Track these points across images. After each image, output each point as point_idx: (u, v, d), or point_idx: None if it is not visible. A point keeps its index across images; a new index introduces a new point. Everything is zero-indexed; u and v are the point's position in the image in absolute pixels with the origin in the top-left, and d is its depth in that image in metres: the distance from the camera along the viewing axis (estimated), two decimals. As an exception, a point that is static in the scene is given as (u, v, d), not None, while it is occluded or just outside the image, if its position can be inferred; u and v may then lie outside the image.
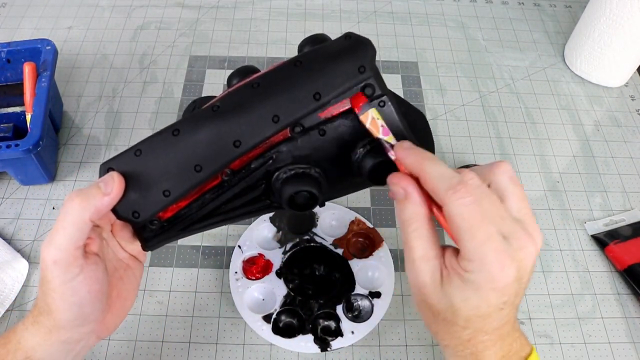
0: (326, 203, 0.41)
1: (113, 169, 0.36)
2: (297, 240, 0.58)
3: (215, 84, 0.74)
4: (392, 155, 0.34)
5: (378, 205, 0.62)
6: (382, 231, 0.59)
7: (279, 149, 0.36)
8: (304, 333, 0.52)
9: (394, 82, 0.75)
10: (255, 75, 0.37)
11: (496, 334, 0.33)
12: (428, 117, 0.71)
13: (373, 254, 0.57)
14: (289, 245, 0.58)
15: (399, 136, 0.36)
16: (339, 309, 0.53)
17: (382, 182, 0.35)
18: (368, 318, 0.53)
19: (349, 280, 0.55)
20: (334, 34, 0.38)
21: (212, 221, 0.39)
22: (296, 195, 0.36)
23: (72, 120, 0.69)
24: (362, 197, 0.62)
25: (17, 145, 0.54)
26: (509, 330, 0.33)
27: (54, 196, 0.62)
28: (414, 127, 0.37)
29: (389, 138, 0.34)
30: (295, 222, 0.58)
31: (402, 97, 0.73)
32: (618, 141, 0.70)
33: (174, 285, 0.56)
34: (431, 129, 0.43)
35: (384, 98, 0.35)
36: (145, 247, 0.39)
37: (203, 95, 0.72)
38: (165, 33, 0.80)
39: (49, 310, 0.34)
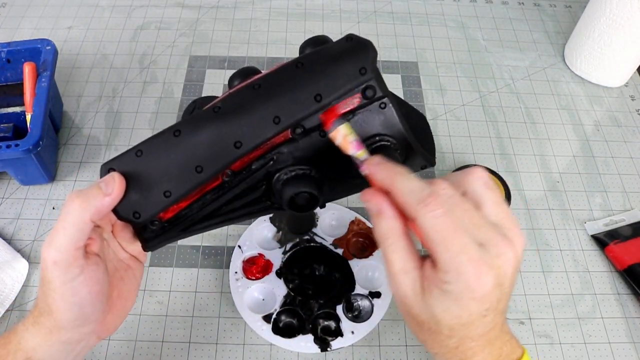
0: (326, 203, 0.41)
1: (114, 170, 0.36)
2: (297, 240, 0.58)
3: (215, 84, 0.74)
4: (364, 170, 0.34)
5: (378, 205, 0.62)
6: (382, 231, 0.59)
7: (279, 150, 0.36)
8: (304, 333, 0.52)
9: (394, 82, 0.75)
10: (256, 77, 0.37)
11: (483, 340, 0.32)
12: (428, 117, 0.71)
13: (373, 254, 0.57)
14: (289, 245, 0.58)
15: (399, 138, 0.36)
16: (339, 309, 0.53)
17: None
18: (368, 318, 0.53)
19: (349, 280, 0.55)
20: (334, 34, 0.38)
21: (212, 222, 0.39)
22: (297, 196, 0.36)
23: (72, 120, 0.69)
24: (360, 198, 0.62)
25: (17, 145, 0.54)
26: (497, 335, 0.33)
27: (54, 196, 0.62)
28: (415, 128, 0.37)
29: (360, 153, 0.34)
30: (295, 222, 0.58)
31: (402, 97, 0.73)
32: (618, 141, 0.70)
33: (174, 285, 0.56)
34: (431, 130, 0.43)
35: (385, 100, 0.35)
36: (146, 248, 0.39)
37: (203, 95, 0.72)
38: (165, 33, 0.80)
39: (50, 310, 0.34)
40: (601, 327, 0.55)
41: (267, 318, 0.53)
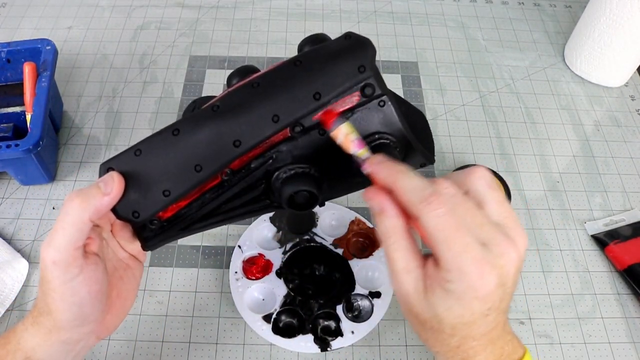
0: (326, 203, 0.41)
1: (113, 169, 0.36)
2: (297, 240, 0.58)
3: (215, 84, 0.74)
4: (366, 169, 0.34)
5: (378, 205, 0.62)
6: (382, 231, 0.59)
7: (278, 148, 0.36)
8: (304, 333, 0.52)
9: (394, 82, 0.75)
10: (255, 75, 0.37)
11: (485, 339, 0.32)
12: (428, 117, 0.71)
13: (373, 254, 0.57)
14: (289, 245, 0.58)
15: (398, 136, 0.36)
16: (339, 309, 0.53)
17: None
18: (368, 318, 0.53)
19: (349, 280, 0.55)
20: (334, 34, 0.38)
21: (212, 221, 0.39)
22: (296, 194, 0.36)
23: (72, 120, 0.69)
24: (362, 197, 0.62)
25: (17, 145, 0.54)
26: (498, 334, 0.33)
27: (54, 196, 0.62)
28: (414, 126, 0.37)
29: (362, 152, 0.34)
30: (295, 222, 0.58)
31: (402, 97, 0.73)
32: (618, 141, 0.70)
33: (174, 285, 0.56)
34: (431, 129, 0.43)
35: (384, 98, 0.35)
36: (145, 247, 0.39)
37: (203, 95, 0.72)
38: (165, 33, 0.80)
39: (49, 310, 0.34)
40: (601, 327, 0.55)
41: (267, 318, 0.53)
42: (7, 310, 0.53)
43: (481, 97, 0.74)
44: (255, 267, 0.56)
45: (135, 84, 0.73)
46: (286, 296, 0.54)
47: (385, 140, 0.35)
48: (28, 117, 0.58)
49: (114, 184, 0.35)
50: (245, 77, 0.38)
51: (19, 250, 0.57)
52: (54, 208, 0.61)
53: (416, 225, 0.32)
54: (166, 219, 0.37)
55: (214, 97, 0.38)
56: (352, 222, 0.59)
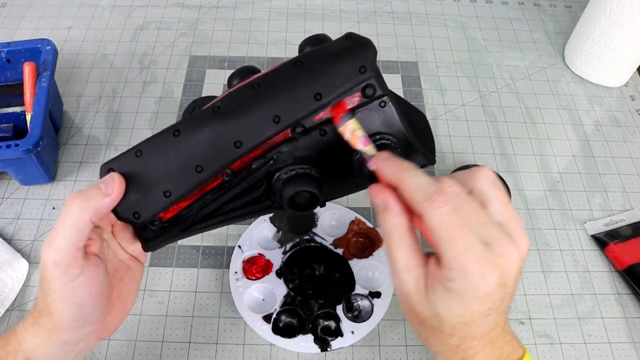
0: (326, 203, 0.41)
1: (114, 170, 0.36)
2: (297, 240, 0.58)
3: (215, 84, 0.74)
4: (371, 166, 0.34)
5: (378, 205, 0.62)
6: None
7: (279, 149, 0.36)
8: (304, 333, 0.52)
9: (394, 82, 0.75)
10: (255, 76, 0.37)
11: (485, 339, 0.32)
12: (428, 117, 0.71)
13: (373, 254, 0.57)
14: (289, 245, 0.58)
15: (399, 136, 0.36)
16: (339, 309, 0.53)
17: None
18: (368, 318, 0.53)
19: (349, 280, 0.55)
20: (334, 34, 0.38)
21: (212, 222, 0.39)
22: (297, 195, 0.36)
23: (72, 120, 0.69)
24: (362, 197, 0.62)
25: (17, 145, 0.54)
26: (498, 334, 0.33)
27: (54, 196, 0.62)
28: (415, 127, 0.37)
29: (368, 149, 0.34)
30: (295, 222, 0.58)
31: (402, 97, 0.73)
32: (618, 141, 0.70)
33: (174, 285, 0.56)
34: (431, 129, 0.43)
35: (385, 98, 0.35)
36: (146, 248, 0.39)
37: (203, 95, 0.72)
38: (165, 33, 0.80)
39: (49, 311, 0.34)
40: (601, 327, 0.55)
41: (267, 318, 0.53)
42: (7, 310, 0.53)
43: (481, 97, 0.74)
44: (255, 267, 0.56)
45: (135, 84, 0.73)
46: (286, 296, 0.54)
47: (386, 141, 0.35)
48: (28, 117, 0.58)
49: (115, 185, 0.35)
50: (245, 78, 0.38)
51: (19, 250, 0.57)
52: (54, 208, 0.61)
53: (419, 223, 0.32)
54: (167, 219, 0.37)
55: (214, 97, 0.38)
56: (352, 222, 0.59)
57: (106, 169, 0.36)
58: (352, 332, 0.52)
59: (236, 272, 0.55)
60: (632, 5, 0.65)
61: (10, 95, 0.64)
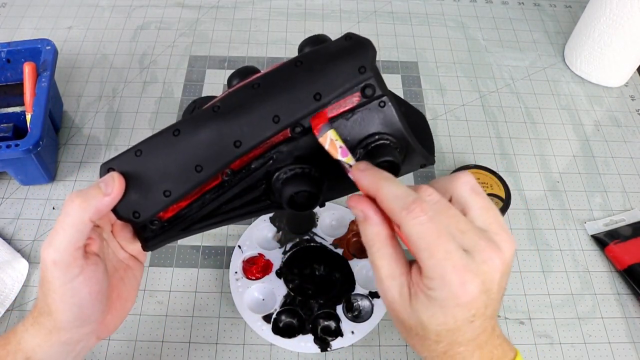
0: (326, 203, 0.41)
1: (113, 169, 0.36)
2: (297, 240, 0.58)
3: (215, 84, 0.74)
4: (351, 176, 0.34)
5: (378, 205, 0.62)
6: (382, 231, 0.59)
7: (279, 149, 0.36)
8: (304, 333, 0.52)
9: (394, 82, 0.75)
10: (255, 76, 0.37)
11: (472, 345, 0.32)
12: (428, 117, 0.71)
13: (373, 254, 0.57)
14: (289, 245, 0.58)
15: (398, 136, 0.36)
16: (339, 309, 0.53)
17: None
18: (368, 318, 0.53)
19: (349, 280, 0.55)
20: (334, 34, 0.38)
21: (212, 221, 0.39)
22: (297, 195, 0.36)
23: (72, 120, 0.69)
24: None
25: (17, 145, 0.54)
26: (486, 339, 0.33)
27: (54, 196, 0.62)
28: (414, 127, 0.37)
29: (347, 159, 0.34)
30: (295, 222, 0.58)
31: (402, 97, 0.73)
32: (618, 141, 0.70)
33: (174, 285, 0.56)
34: (431, 129, 0.43)
35: (384, 98, 0.35)
36: (146, 247, 0.39)
37: (203, 95, 0.72)
38: (165, 33, 0.80)
39: (49, 311, 0.34)
40: (601, 327, 0.55)
41: (267, 318, 0.53)
42: (7, 310, 0.53)
43: (481, 97, 0.74)
44: (255, 267, 0.56)
45: (135, 84, 0.73)
46: (286, 296, 0.54)
47: (385, 141, 0.35)
48: (28, 117, 0.58)
49: (115, 185, 0.35)
50: (245, 78, 0.38)
51: (19, 250, 0.57)
52: (54, 208, 0.61)
53: (400, 233, 0.32)
54: (167, 219, 0.37)
55: (214, 97, 0.38)
56: (352, 222, 0.59)
57: (106, 168, 0.36)
58: (352, 332, 0.52)
59: (236, 272, 0.55)
60: (632, 5, 0.65)
61: (10, 95, 0.64)
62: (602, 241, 0.60)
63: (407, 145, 0.36)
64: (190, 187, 0.36)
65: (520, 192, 0.64)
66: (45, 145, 0.56)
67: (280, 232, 0.58)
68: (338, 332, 0.52)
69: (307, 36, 0.39)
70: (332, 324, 0.53)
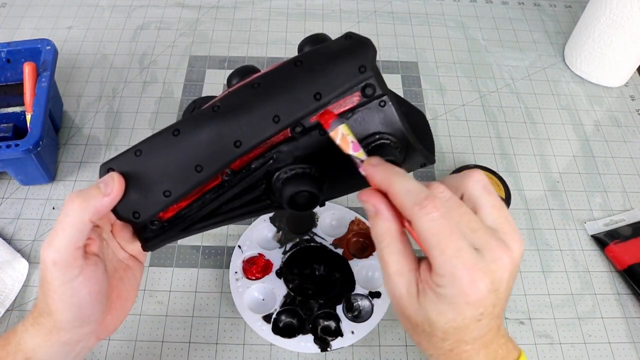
0: (326, 203, 0.41)
1: (113, 170, 0.36)
2: (297, 240, 0.58)
3: (215, 84, 0.74)
4: (362, 171, 0.34)
5: (378, 205, 0.62)
6: (382, 231, 0.59)
7: (279, 149, 0.36)
8: (304, 333, 0.52)
9: (394, 82, 0.75)
10: (255, 75, 0.37)
11: (478, 343, 0.32)
12: (428, 117, 0.71)
13: (373, 254, 0.57)
14: (289, 245, 0.58)
15: (399, 136, 0.36)
16: (339, 309, 0.53)
17: None
18: (368, 318, 0.53)
19: (349, 280, 0.55)
20: (334, 34, 0.38)
21: (212, 221, 0.39)
22: (297, 195, 0.36)
23: (72, 120, 0.69)
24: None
25: (17, 145, 0.54)
26: (492, 338, 0.33)
27: (54, 196, 0.62)
28: (415, 126, 0.37)
29: (359, 154, 0.34)
30: (295, 222, 0.58)
31: (402, 97, 0.73)
32: (618, 141, 0.70)
33: (174, 285, 0.56)
34: (431, 129, 0.43)
35: (385, 98, 0.35)
36: (146, 248, 0.39)
37: (203, 95, 0.72)
38: (165, 33, 0.80)
39: (49, 311, 0.34)
40: (601, 327, 0.55)
41: (267, 318, 0.53)
42: (7, 310, 0.53)
43: (481, 97, 0.74)
44: (255, 267, 0.56)
45: (135, 84, 0.73)
46: (286, 296, 0.54)
47: (385, 141, 0.35)
48: (28, 117, 0.58)
49: (114, 185, 0.35)
50: (245, 78, 0.38)
51: (19, 250, 0.57)
52: (54, 208, 0.61)
53: (411, 229, 0.32)
54: (167, 219, 0.37)
55: (214, 97, 0.38)
56: (352, 222, 0.59)
57: (106, 168, 0.36)
58: (352, 332, 0.52)
59: (236, 272, 0.55)
60: (632, 5, 0.65)
61: (10, 95, 0.64)
62: (602, 241, 0.60)
63: (407, 145, 0.36)
64: (190, 187, 0.36)
65: (520, 192, 0.64)
66: (45, 145, 0.56)
67: (280, 232, 0.58)
68: (338, 332, 0.52)
69: (307, 36, 0.39)
70: (332, 324, 0.53)
